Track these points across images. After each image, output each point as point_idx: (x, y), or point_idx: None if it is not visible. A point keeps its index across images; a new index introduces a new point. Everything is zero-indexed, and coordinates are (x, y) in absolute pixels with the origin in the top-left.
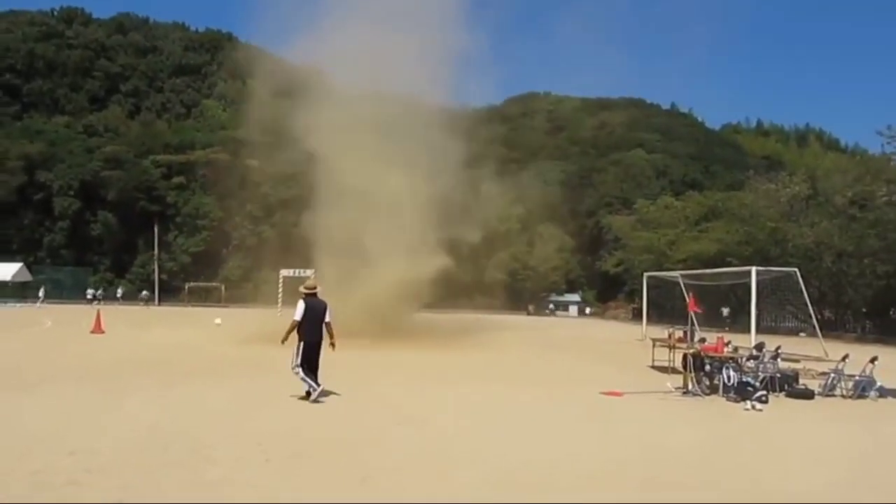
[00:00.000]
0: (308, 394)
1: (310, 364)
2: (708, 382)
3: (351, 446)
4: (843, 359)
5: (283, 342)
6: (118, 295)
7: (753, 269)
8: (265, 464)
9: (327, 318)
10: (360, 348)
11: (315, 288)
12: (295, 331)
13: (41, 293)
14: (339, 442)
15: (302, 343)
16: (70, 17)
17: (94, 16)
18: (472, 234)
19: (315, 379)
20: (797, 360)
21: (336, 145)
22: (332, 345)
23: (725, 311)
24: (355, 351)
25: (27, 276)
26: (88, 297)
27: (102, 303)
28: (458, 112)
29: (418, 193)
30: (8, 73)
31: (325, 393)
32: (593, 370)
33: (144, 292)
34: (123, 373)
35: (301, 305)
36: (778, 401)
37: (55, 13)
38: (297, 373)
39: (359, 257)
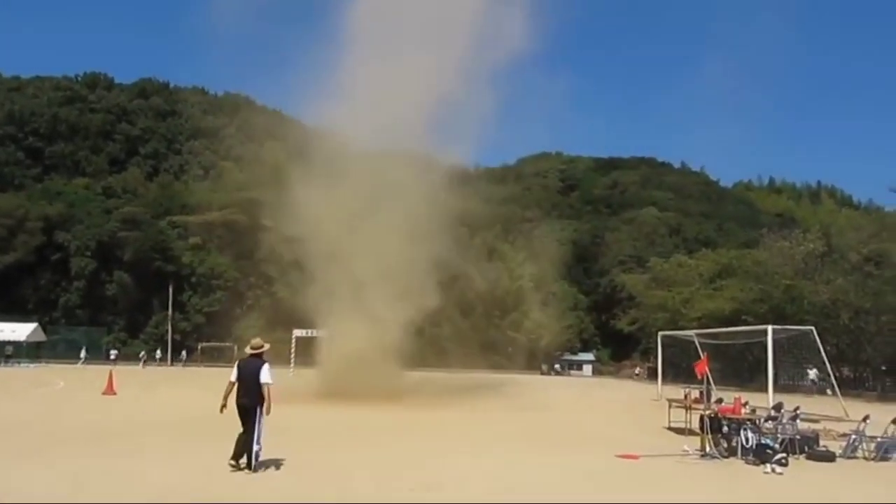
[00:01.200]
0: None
1: (244, 427)
2: (726, 444)
3: None
4: (864, 419)
5: (222, 409)
6: (141, 356)
7: (770, 328)
8: None
9: (266, 379)
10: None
11: (261, 348)
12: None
13: (83, 354)
14: None
15: (237, 405)
16: (93, 82)
17: (117, 80)
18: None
19: (247, 444)
20: (817, 421)
21: (335, 206)
22: (266, 409)
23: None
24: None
25: (42, 337)
26: (112, 357)
27: (118, 363)
28: (468, 172)
29: (417, 256)
30: (32, 137)
31: (264, 464)
32: (609, 431)
33: (158, 352)
34: (134, 434)
35: (235, 367)
36: (798, 463)
37: (79, 78)
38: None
39: (357, 318)
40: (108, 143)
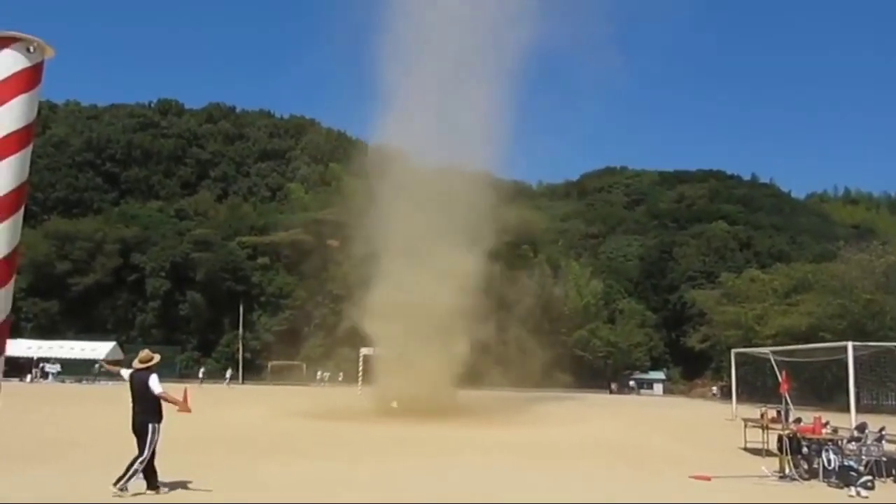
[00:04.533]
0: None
1: (137, 443)
2: (806, 466)
3: None
4: None
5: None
6: (227, 376)
7: (850, 345)
8: None
9: (157, 390)
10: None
11: (150, 361)
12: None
13: (228, 374)
14: None
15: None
16: (165, 108)
17: (187, 106)
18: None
19: (132, 460)
20: None
21: (400, 223)
22: (180, 407)
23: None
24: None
25: (119, 355)
26: (200, 377)
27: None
28: (530, 189)
29: (477, 272)
30: (109, 163)
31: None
32: (681, 451)
33: (229, 371)
34: (204, 450)
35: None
36: (885, 486)
37: (152, 105)
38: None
39: (418, 336)
40: (179, 167)
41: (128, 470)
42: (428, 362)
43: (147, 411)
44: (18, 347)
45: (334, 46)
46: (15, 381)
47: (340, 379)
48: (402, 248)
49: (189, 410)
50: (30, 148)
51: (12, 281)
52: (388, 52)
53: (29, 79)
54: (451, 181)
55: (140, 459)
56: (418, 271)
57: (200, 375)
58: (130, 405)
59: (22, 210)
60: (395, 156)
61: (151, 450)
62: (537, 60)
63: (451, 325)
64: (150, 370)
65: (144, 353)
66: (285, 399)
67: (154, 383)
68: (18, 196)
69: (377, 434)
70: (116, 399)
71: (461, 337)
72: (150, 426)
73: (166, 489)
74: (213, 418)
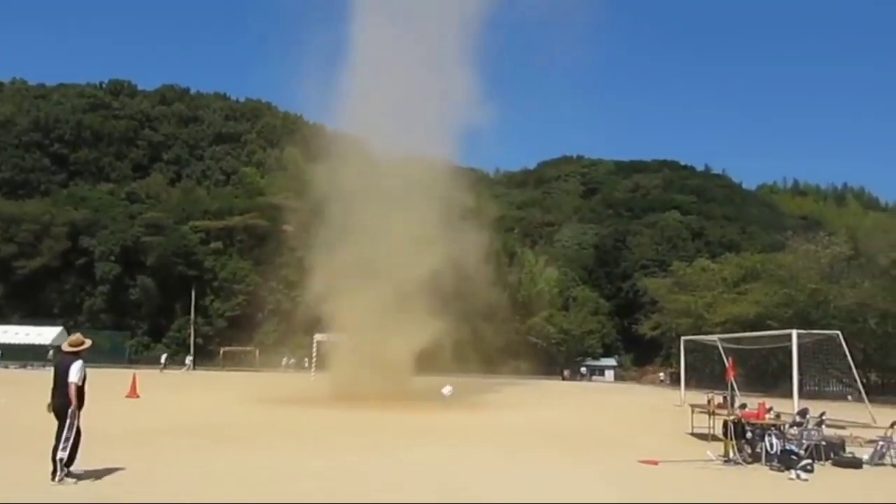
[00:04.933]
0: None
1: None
2: (750, 451)
3: None
4: (892, 425)
5: (49, 408)
6: (187, 362)
7: (794, 332)
8: None
9: (72, 378)
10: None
11: (80, 345)
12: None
13: (188, 360)
14: None
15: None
16: (117, 89)
17: (140, 87)
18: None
19: (53, 449)
20: (843, 427)
21: (354, 210)
22: (73, 404)
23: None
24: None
25: (65, 340)
26: (162, 362)
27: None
28: (488, 176)
29: (434, 260)
30: (57, 143)
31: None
32: (630, 436)
33: (189, 357)
34: (155, 438)
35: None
36: (824, 470)
37: (103, 85)
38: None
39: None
40: (131, 150)
41: (55, 461)
42: (386, 347)
43: (66, 397)
44: None
45: (291, 29)
46: None
47: (306, 365)
48: (361, 232)
49: (79, 409)
50: None
51: None
52: (349, 36)
53: None
54: (410, 168)
55: (62, 447)
56: (378, 251)
57: (163, 361)
58: (51, 388)
59: None
60: (353, 141)
61: (73, 433)
62: (498, 47)
63: (411, 306)
64: (78, 355)
65: (75, 336)
66: (244, 385)
67: (73, 371)
68: None
69: (332, 421)
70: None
71: (421, 320)
72: (70, 410)
73: (73, 480)
74: (181, 405)
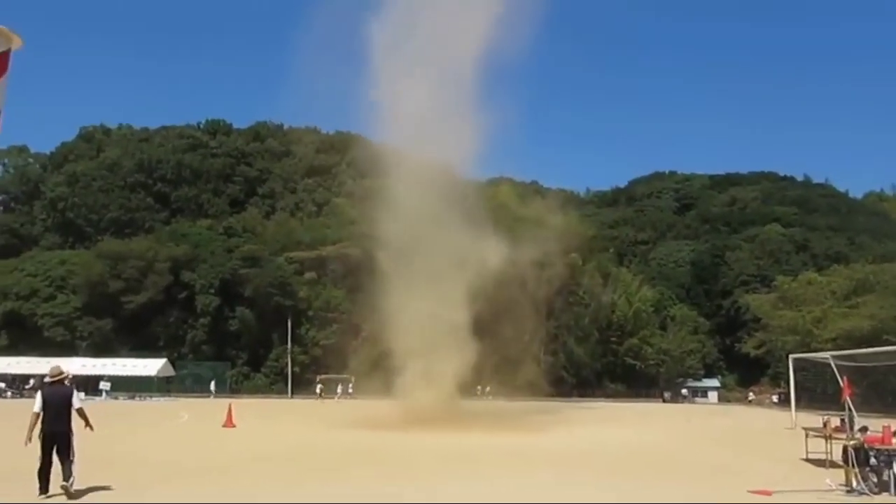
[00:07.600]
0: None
1: (59, 454)
2: (876, 479)
3: None
4: None
5: (27, 442)
6: (339, 391)
7: None
8: None
9: (76, 405)
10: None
11: (60, 375)
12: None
13: (339, 389)
14: None
15: (43, 435)
16: (214, 128)
17: (235, 126)
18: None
19: (66, 469)
20: None
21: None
22: (90, 427)
23: None
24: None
25: (171, 372)
26: (318, 391)
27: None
28: (577, 197)
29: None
30: (160, 183)
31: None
32: (739, 462)
33: (341, 385)
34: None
35: (38, 397)
36: None
37: (201, 126)
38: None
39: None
40: (228, 186)
41: (67, 477)
42: (443, 371)
43: (65, 422)
44: (73, 365)
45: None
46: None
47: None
48: (426, 253)
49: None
50: None
51: None
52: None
53: None
54: (493, 189)
55: (73, 464)
56: (435, 286)
57: (318, 391)
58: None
59: None
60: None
61: (73, 454)
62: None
63: (460, 334)
64: (62, 384)
65: (55, 367)
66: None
67: (77, 398)
68: None
69: (414, 446)
70: (172, 414)
71: (465, 345)
72: (70, 436)
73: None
74: (274, 432)
